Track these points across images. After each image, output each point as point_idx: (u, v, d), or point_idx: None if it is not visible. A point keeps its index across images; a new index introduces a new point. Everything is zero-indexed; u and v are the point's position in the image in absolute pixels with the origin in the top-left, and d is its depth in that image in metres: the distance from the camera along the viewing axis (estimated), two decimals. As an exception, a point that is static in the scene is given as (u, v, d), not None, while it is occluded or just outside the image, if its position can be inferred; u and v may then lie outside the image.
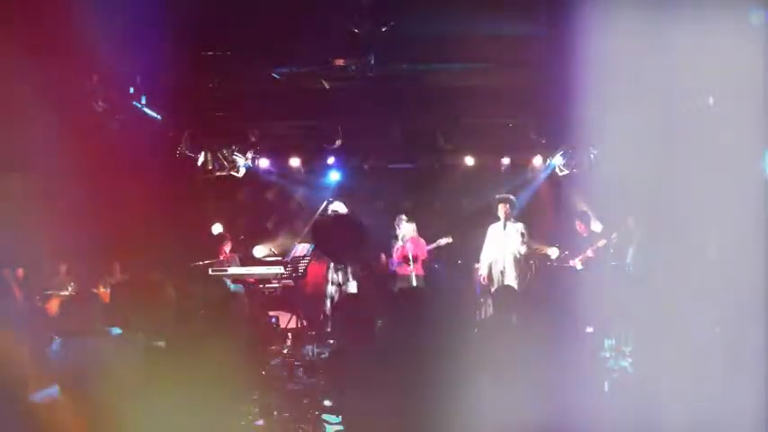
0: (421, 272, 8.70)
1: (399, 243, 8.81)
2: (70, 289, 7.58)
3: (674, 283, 6.88)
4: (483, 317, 8.17)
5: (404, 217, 8.92)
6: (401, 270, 8.67)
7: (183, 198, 8.91)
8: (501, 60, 7.16)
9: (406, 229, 8.80)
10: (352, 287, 8.36)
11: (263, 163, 10.24)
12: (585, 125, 8.44)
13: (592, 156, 9.47)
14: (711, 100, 7.21)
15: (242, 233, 9.93)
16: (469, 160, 10.09)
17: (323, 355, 7.02)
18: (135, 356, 2.96)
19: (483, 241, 8.58)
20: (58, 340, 3.63)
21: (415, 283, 8.38)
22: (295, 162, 10.25)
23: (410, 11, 6.25)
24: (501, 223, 8.36)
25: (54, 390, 2.82)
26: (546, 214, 10.03)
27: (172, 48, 6.39)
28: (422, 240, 8.88)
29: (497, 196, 8.58)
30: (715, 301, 6.66)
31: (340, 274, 8.30)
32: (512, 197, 8.57)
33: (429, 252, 9.03)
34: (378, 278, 8.99)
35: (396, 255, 8.84)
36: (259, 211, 10.67)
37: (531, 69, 7.16)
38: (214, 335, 3.74)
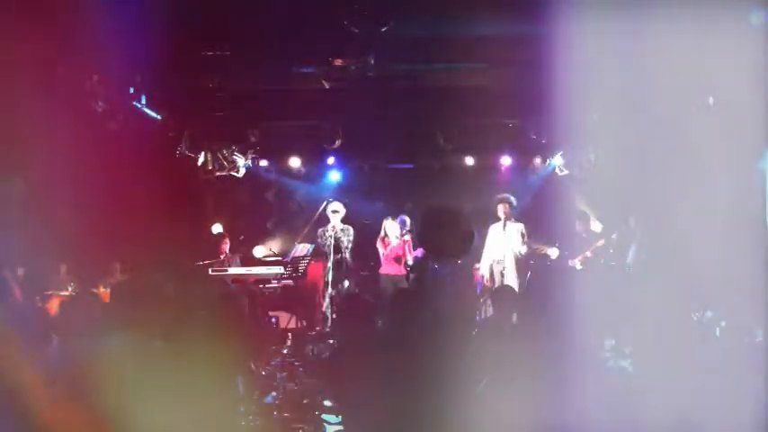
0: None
1: (395, 242, 8.70)
2: (70, 289, 7.57)
3: (675, 283, 6.88)
4: (483, 317, 8.17)
5: (399, 219, 8.81)
6: (395, 270, 8.62)
7: (183, 198, 8.91)
8: (501, 60, 7.17)
9: (392, 229, 8.65)
10: (345, 287, 8.34)
11: (263, 163, 10.24)
12: (586, 125, 8.45)
13: (592, 156, 9.46)
14: (711, 100, 7.21)
15: (242, 233, 9.93)
16: (469, 160, 10.08)
17: (323, 355, 7.02)
18: (135, 356, 2.96)
19: (483, 241, 8.57)
20: (57, 340, 3.64)
21: (407, 284, 8.33)
22: (295, 162, 10.25)
23: (410, 11, 6.25)
24: (501, 223, 8.35)
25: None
26: (546, 214, 10.02)
27: (172, 48, 6.39)
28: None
29: (497, 196, 8.57)
30: (715, 301, 6.66)
31: (339, 273, 8.28)
32: (511, 197, 8.56)
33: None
34: (377, 278, 8.97)
35: (390, 254, 8.74)
36: (259, 211, 10.67)
37: (530, 69, 7.16)
38: (214, 335, 3.74)
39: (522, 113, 8.81)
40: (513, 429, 3.49)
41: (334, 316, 8.03)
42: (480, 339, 4.65)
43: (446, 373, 3.28)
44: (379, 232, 8.70)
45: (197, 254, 8.24)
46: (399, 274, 8.57)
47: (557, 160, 9.95)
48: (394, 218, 8.70)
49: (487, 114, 8.75)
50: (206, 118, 8.76)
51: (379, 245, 8.67)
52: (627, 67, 6.55)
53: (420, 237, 7.24)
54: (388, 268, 8.71)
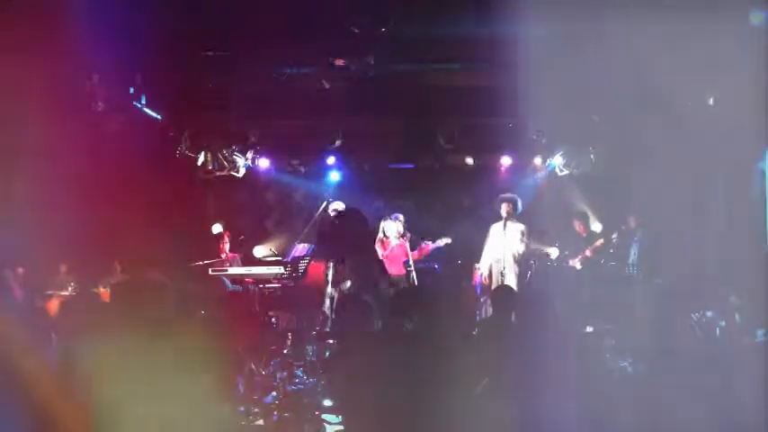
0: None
1: (394, 243, 8.67)
2: (70, 289, 7.57)
3: (675, 283, 6.89)
4: (483, 317, 8.16)
5: (393, 216, 8.73)
6: (395, 271, 8.59)
7: (183, 198, 8.91)
8: (501, 60, 7.17)
9: (390, 229, 8.59)
10: (346, 287, 8.31)
11: (263, 163, 10.23)
12: (586, 125, 8.45)
13: (592, 156, 9.46)
14: (711, 100, 7.22)
15: (242, 233, 9.93)
16: (469, 160, 10.07)
17: (323, 355, 7.01)
18: (135, 356, 2.96)
19: (483, 241, 8.57)
20: (57, 340, 3.64)
21: (407, 284, 8.31)
22: (295, 162, 10.24)
23: (410, 11, 6.25)
24: (501, 223, 8.34)
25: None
26: (546, 214, 10.02)
27: (172, 48, 6.40)
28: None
29: (502, 195, 8.54)
30: (715, 301, 6.67)
31: (339, 273, 8.26)
32: (515, 197, 8.54)
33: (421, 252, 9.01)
34: (377, 278, 8.95)
35: (389, 254, 8.70)
36: (259, 211, 10.66)
37: (530, 69, 7.16)
38: (214, 335, 3.75)
39: (522, 113, 8.80)
40: (512, 429, 3.49)
41: (334, 316, 8.02)
42: (480, 339, 4.65)
43: (446, 373, 3.28)
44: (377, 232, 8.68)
45: (197, 254, 8.24)
46: (399, 274, 8.56)
47: (557, 160, 9.94)
48: (390, 218, 8.66)
49: (487, 114, 8.75)
50: (206, 118, 8.76)
51: (378, 246, 8.64)
52: (627, 68, 6.56)
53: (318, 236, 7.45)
54: (388, 269, 8.70)
